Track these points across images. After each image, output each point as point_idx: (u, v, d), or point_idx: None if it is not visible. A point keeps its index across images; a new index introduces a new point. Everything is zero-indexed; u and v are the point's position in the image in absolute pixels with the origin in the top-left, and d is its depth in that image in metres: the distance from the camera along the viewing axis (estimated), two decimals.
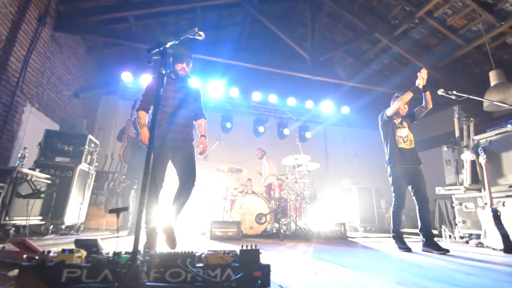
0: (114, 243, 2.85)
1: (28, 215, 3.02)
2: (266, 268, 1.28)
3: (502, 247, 2.88)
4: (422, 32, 5.87)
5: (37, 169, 3.49)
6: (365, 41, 6.55)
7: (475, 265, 2.11)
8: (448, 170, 4.23)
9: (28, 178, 2.99)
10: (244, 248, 1.32)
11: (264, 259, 2.18)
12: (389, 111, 3.29)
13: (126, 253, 1.23)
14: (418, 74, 3.10)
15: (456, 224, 3.96)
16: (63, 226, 3.59)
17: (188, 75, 2.76)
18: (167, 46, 1.25)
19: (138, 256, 1.22)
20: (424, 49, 6.21)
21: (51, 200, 3.45)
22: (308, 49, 5.91)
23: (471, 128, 4.15)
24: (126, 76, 6.37)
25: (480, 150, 3.44)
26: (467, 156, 3.86)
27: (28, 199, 3.01)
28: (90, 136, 4.00)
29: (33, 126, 4.35)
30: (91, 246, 1.36)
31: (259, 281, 1.24)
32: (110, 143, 6.26)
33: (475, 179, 3.78)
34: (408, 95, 3.15)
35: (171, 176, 2.73)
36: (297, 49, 5.88)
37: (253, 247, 1.34)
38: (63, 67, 5.20)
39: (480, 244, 3.44)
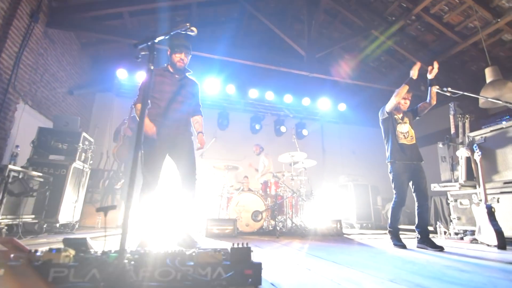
0: (109, 241, 2.82)
1: (21, 213, 3.00)
2: (257, 266, 1.27)
3: (496, 243, 2.89)
4: (418, 29, 5.86)
5: (30, 167, 3.46)
6: (362, 38, 6.53)
7: (468, 262, 2.11)
8: (443, 167, 4.24)
9: (20, 176, 2.95)
10: (235, 246, 1.31)
11: (258, 256, 2.19)
12: (388, 107, 3.22)
13: (115, 252, 1.21)
14: (418, 63, 3.05)
15: (451, 221, 3.98)
16: (58, 225, 3.57)
17: (186, 69, 2.66)
18: (156, 41, 1.23)
19: (126, 255, 1.21)
20: (420, 46, 6.20)
21: (44, 198, 3.42)
22: (305, 45, 5.89)
23: (467, 125, 4.15)
24: (121, 73, 6.32)
25: (475, 147, 3.45)
26: (462, 153, 3.87)
27: (21, 198, 2.99)
28: (84, 134, 3.97)
29: (26, 124, 4.30)
30: (80, 245, 1.34)
31: (250, 279, 1.23)
32: (106, 141, 6.21)
33: (470, 175, 3.80)
34: (404, 88, 3.07)
35: (172, 175, 2.71)
36: (294, 45, 5.85)
37: (245, 245, 1.33)
38: (57, 64, 5.14)
39: (474, 241, 3.46)
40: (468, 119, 4.20)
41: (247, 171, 5.86)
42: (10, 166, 2.82)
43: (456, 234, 3.87)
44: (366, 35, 6.29)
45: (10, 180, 2.81)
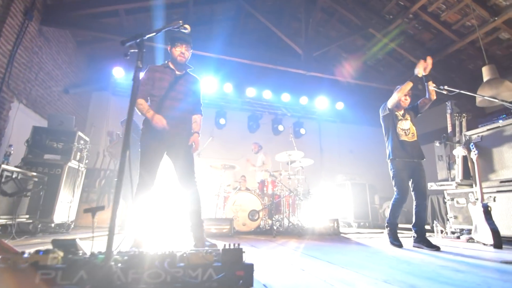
0: (104, 242, 2.80)
1: (15, 213, 2.97)
2: (249, 267, 1.25)
3: (492, 242, 2.89)
4: (416, 27, 5.84)
5: (25, 167, 3.43)
6: (359, 37, 6.51)
7: (464, 262, 2.10)
8: (440, 166, 4.23)
9: (14, 176, 2.93)
10: (227, 247, 1.29)
11: (253, 256, 2.17)
12: (389, 103, 3.16)
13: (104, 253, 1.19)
14: (421, 61, 2.96)
15: (448, 220, 3.98)
16: (52, 225, 3.54)
17: (187, 64, 2.58)
18: (145, 38, 1.20)
19: (115, 256, 1.19)
20: (418, 44, 6.19)
21: (39, 198, 3.39)
22: (302, 44, 5.87)
23: (464, 123, 4.14)
24: (118, 72, 6.28)
25: (472, 145, 3.44)
26: (459, 152, 3.87)
27: (15, 197, 2.96)
28: (79, 133, 3.93)
29: (21, 123, 4.26)
30: (69, 246, 1.32)
31: (241, 281, 1.21)
32: (102, 140, 6.18)
33: (467, 174, 3.79)
34: (408, 85, 3.01)
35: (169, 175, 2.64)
36: (291, 44, 5.83)
37: (237, 246, 1.31)
38: (52, 62, 5.10)
39: (471, 240, 3.45)
40: (465, 117, 4.19)
41: (244, 170, 5.84)
42: (3, 166, 2.79)
43: (453, 233, 3.86)
44: (363, 34, 6.27)
45: (3, 180, 2.78)
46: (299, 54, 5.88)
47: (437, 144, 4.34)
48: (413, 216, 3.02)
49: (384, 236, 4.11)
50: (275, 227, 4.17)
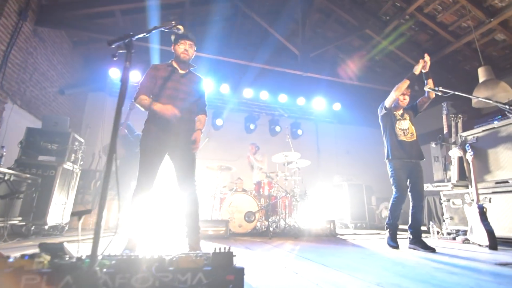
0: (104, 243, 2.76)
1: (7, 216, 2.93)
2: (240, 272, 1.23)
3: (487, 243, 2.89)
4: (412, 28, 5.85)
5: (18, 168, 3.39)
6: (356, 37, 6.51)
7: (458, 264, 2.09)
8: (436, 167, 4.23)
9: (6, 178, 2.89)
10: (218, 250, 1.27)
11: (248, 259, 2.15)
12: (387, 102, 3.13)
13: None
14: (421, 60, 2.95)
15: (444, 220, 3.98)
16: (46, 227, 3.50)
17: (190, 63, 2.51)
18: (134, 38, 1.19)
19: (103, 260, 1.17)
20: (414, 45, 6.20)
21: (32, 200, 3.35)
22: (299, 45, 5.86)
23: (459, 124, 4.15)
24: (114, 73, 6.24)
25: (467, 146, 3.44)
26: (454, 153, 3.87)
27: (7, 200, 2.92)
28: (73, 134, 3.90)
29: (15, 124, 4.22)
30: (56, 250, 1.30)
31: (231, 286, 1.19)
32: (98, 141, 6.14)
33: (463, 175, 3.79)
34: (405, 83, 2.98)
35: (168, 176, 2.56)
36: (288, 45, 5.83)
37: (228, 249, 1.29)
38: (47, 63, 5.06)
39: (466, 241, 3.45)
40: (461, 118, 4.20)
41: (240, 171, 5.81)
42: None
43: (449, 234, 3.86)
44: (360, 35, 6.27)
45: None
46: (296, 55, 5.88)
47: (433, 145, 4.34)
48: (409, 217, 3.00)
49: (380, 237, 4.11)
50: (271, 229, 4.15)
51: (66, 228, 3.95)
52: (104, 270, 1.09)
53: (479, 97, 2.74)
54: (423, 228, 3.52)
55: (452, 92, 2.55)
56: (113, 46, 1.14)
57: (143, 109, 2.33)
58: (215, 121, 7.41)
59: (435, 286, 1.43)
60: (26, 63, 4.47)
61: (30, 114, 4.73)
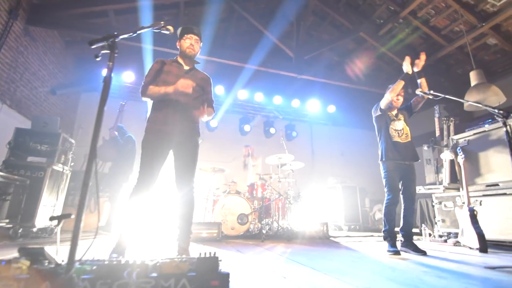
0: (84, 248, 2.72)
1: None
2: (225, 277, 1.21)
3: (478, 246, 2.90)
4: (406, 32, 5.90)
5: (6, 170, 3.33)
6: (350, 40, 6.54)
7: (448, 268, 2.09)
8: (428, 169, 4.26)
9: None
10: (203, 255, 1.25)
11: (237, 262, 2.13)
12: (382, 103, 3.10)
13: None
14: (407, 57, 2.92)
15: (436, 223, 3.99)
16: (34, 229, 3.43)
17: (195, 60, 2.44)
18: (117, 39, 1.16)
19: (82, 266, 1.13)
20: (407, 48, 6.24)
21: (20, 202, 3.29)
22: (294, 47, 5.87)
23: (451, 127, 4.18)
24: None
25: (459, 149, 3.47)
26: (446, 156, 3.89)
27: None
28: (63, 135, 3.84)
29: (4, 124, 4.15)
30: (37, 255, 1.26)
31: None
32: (90, 142, 6.06)
33: (454, 178, 3.82)
34: (399, 84, 2.95)
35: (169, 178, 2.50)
36: (283, 47, 5.83)
37: (213, 254, 1.27)
38: (38, 63, 4.99)
39: (457, 243, 3.47)
40: (453, 122, 4.23)
41: (234, 173, 5.79)
42: None
43: (440, 236, 3.88)
44: (354, 38, 6.30)
45: None
46: (290, 57, 5.88)
47: (425, 147, 4.37)
48: (401, 219, 2.98)
49: (373, 239, 4.11)
50: (264, 231, 4.13)
51: (55, 230, 3.88)
52: (84, 276, 1.06)
53: (469, 101, 2.76)
54: (415, 230, 3.53)
55: (443, 95, 2.56)
56: (94, 46, 1.11)
57: (151, 99, 2.28)
58: (209, 123, 7.37)
59: None
60: (17, 63, 4.40)
61: (20, 114, 4.65)
